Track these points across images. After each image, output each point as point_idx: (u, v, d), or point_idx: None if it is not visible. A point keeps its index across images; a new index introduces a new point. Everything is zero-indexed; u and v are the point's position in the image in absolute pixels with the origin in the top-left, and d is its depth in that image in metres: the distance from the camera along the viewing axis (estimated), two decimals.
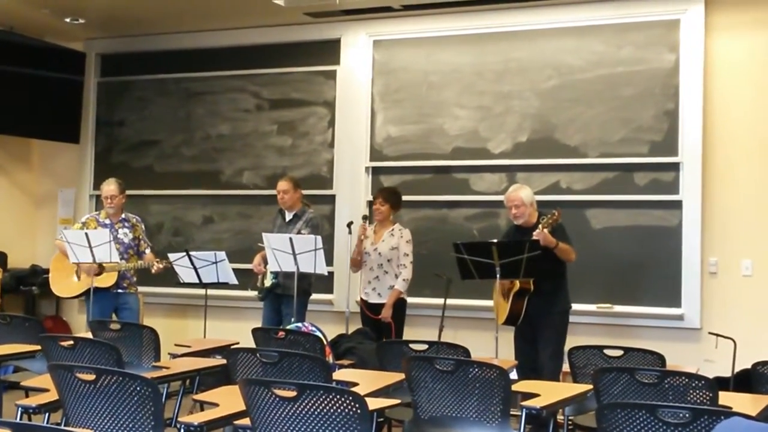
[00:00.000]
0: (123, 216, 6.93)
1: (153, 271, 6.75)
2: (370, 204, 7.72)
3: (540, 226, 5.73)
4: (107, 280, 6.68)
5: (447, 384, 4.06)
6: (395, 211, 6.89)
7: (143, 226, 7.08)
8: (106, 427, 3.39)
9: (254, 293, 7.03)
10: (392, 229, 6.79)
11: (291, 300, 6.68)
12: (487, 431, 3.96)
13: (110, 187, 6.88)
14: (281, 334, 5.29)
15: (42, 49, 8.62)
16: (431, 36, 7.69)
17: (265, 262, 6.78)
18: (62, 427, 3.60)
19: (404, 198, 7.07)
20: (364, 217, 7.04)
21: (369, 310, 6.73)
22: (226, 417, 3.47)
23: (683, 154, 6.85)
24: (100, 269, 6.60)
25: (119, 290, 6.77)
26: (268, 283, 6.80)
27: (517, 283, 5.86)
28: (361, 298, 6.86)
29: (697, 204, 6.80)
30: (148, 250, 6.95)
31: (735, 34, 6.89)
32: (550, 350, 5.84)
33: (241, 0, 7.39)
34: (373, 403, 3.48)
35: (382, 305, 6.66)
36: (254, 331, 5.39)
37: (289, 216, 6.91)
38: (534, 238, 5.67)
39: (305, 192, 7.81)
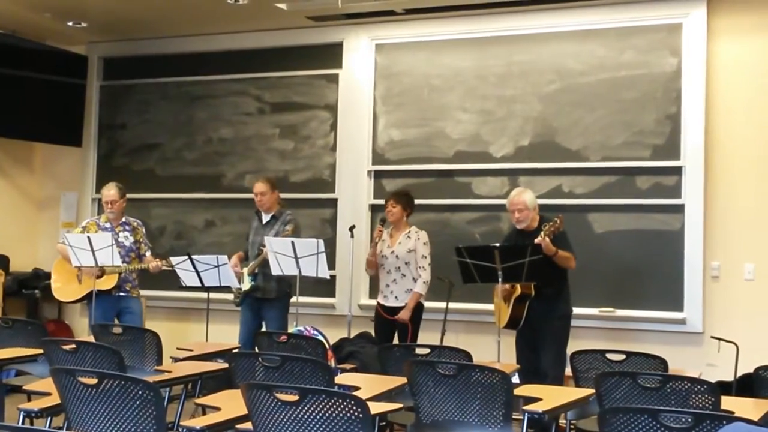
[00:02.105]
0: (123, 219, 6.91)
1: (151, 268, 6.71)
2: (373, 208, 7.75)
3: (542, 233, 5.71)
4: (108, 282, 6.66)
5: (449, 388, 4.06)
6: (408, 212, 6.67)
7: (144, 230, 7.06)
8: (108, 431, 3.39)
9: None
10: (408, 232, 6.62)
11: (271, 303, 6.69)
12: None
13: (111, 191, 6.83)
14: (283, 338, 5.29)
15: (44, 53, 8.64)
16: (433, 40, 7.69)
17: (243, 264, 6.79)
18: (64, 431, 3.61)
19: None
20: (382, 220, 6.88)
21: (385, 312, 6.57)
22: (228, 421, 3.47)
23: (685, 158, 6.85)
24: (102, 271, 6.59)
25: (121, 294, 6.75)
26: (246, 285, 6.71)
27: (519, 288, 5.85)
28: (378, 302, 6.68)
29: (699, 208, 6.80)
30: (148, 253, 6.92)
31: (737, 38, 6.89)
32: (552, 355, 5.83)
33: (243, 4, 7.39)
34: (375, 407, 3.47)
35: (399, 308, 6.48)
36: (256, 335, 5.38)
37: (266, 218, 6.86)
38: (535, 243, 5.66)
39: (307, 196, 7.87)
